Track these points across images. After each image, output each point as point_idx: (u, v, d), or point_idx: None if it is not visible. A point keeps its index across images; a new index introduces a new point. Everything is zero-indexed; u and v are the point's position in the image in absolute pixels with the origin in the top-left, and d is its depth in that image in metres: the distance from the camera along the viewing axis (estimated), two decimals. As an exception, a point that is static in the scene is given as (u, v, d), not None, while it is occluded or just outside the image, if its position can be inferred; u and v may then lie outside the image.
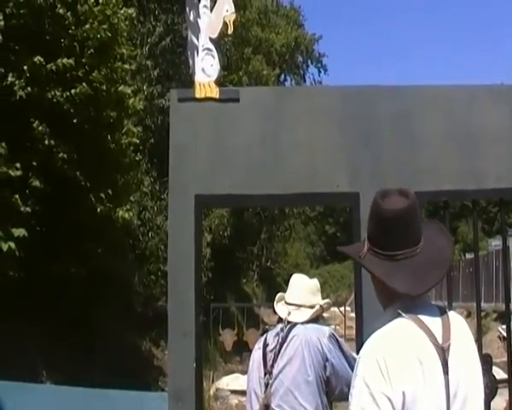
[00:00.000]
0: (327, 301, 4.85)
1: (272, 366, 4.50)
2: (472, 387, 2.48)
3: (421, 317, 2.46)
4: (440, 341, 2.43)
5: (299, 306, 4.67)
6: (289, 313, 4.65)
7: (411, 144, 4.14)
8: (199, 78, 4.19)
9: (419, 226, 2.57)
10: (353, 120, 4.16)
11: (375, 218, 2.57)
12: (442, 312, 2.54)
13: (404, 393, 2.31)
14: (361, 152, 4.11)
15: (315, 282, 4.87)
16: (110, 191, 13.43)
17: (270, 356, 4.54)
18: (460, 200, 5.37)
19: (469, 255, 36.07)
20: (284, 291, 4.91)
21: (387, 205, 2.53)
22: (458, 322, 2.57)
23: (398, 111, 4.18)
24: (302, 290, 4.73)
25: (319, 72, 40.39)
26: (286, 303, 4.73)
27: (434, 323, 2.47)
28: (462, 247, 48.27)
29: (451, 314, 2.56)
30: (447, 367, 2.40)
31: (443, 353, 2.40)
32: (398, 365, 2.35)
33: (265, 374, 4.53)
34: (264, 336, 4.81)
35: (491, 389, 4.21)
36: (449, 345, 2.43)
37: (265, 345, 4.63)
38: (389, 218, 2.50)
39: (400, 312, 2.46)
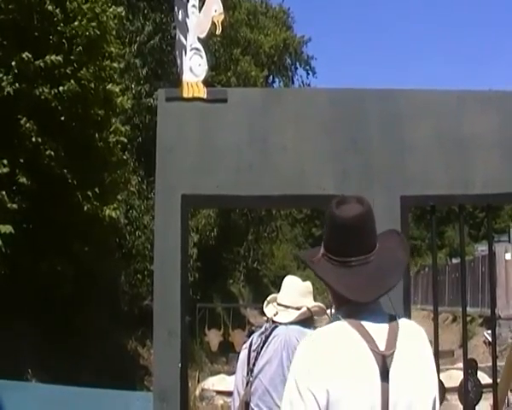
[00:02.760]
0: (317, 304, 4.86)
1: (254, 364, 4.54)
2: (419, 396, 2.47)
3: (365, 323, 2.47)
4: (382, 348, 2.43)
5: (287, 307, 4.70)
6: (276, 314, 4.67)
7: (399, 148, 4.12)
8: (187, 77, 4.18)
9: (373, 234, 2.58)
10: (341, 122, 4.15)
11: (328, 224, 2.60)
12: (391, 319, 2.53)
13: (328, 391, 2.37)
14: (348, 155, 4.10)
15: (307, 284, 4.90)
16: (97, 190, 13.42)
17: (252, 355, 4.58)
18: (447, 205, 5.37)
19: (455, 260, 36.28)
20: (270, 293, 4.93)
21: (341, 212, 2.54)
22: (410, 330, 2.57)
23: (386, 115, 4.17)
24: (292, 292, 4.76)
25: (307, 74, 40.51)
26: (277, 304, 4.75)
27: (379, 330, 2.47)
28: (449, 252, 48.53)
29: (403, 322, 2.56)
30: (387, 375, 2.40)
31: (383, 360, 2.41)
32: (324, 363, 2.41)
33: (248, 373, 4.56)
34: (252, 336, 4.83)
35: (475, 393, 4.23)
36: (392, 352, 2.43)
37: (251, 345, 4.66)
38: (341, 224, 2.52)
39: (339, 316, 2.51)
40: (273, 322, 4.65)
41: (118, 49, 15.25)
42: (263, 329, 4.68)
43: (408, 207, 4.08)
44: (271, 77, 38.06)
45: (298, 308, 4.67)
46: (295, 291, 4.77)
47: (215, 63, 22.14)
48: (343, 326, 2.48)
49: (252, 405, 4.50)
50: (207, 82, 4.24)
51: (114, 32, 14.65)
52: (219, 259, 27.56)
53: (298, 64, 40.03)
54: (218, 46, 23.69)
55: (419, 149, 4.14)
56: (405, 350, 2.47)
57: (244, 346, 4.79)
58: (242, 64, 28.44)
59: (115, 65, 14.67)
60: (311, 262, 2.60)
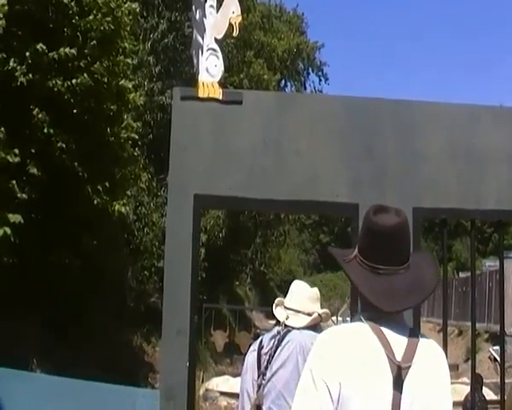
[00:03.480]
0: (325, 310, 4.88)
1: (266, 367, 4.53)
2: None
3: (385, 330, 2.50)
4: (399, 358, 2.45)
5: (298, 311, 4.70)
6: (287, 318, 4.67)
7: (413, 159, 4.13)
8: (203, 77, 4.18)
9: (406, 248, 2.62)
10: (355, 130, 4.15)
11: (364, 229, 2.63)
12: (412, 334, 2.56)
13: (340, 384, 2.41)
14: (362, 163, 4.10)
15: (315, 290, 4.91)
16: (107, 184, 13.42)
17: (264, 358, 4.57)
18: (458, 218, 5.35)
19: (463, 274, 36.13)
20: (276, 296, 4.93)
21: (378, 219, 2.57)
22: (431, 349, 2.58)
23: (400, 125, 4.18)
24: (302, 297, 4.76)
25: (320, 80, 40.40)
26: (285, 308, 4.74)
27: (398, 341, 2.50)
28: (456, 265, 48.32)
29: (424, 340, 2.58)
30: (401, 386, 2.42)
31: (398, 370, 2.43)
32: (340, 358, 2.44)
33: (259, 376, 4.55)
34: (260, 338, 4.83)
35: (480, 408, 4.23)
36: (409, 366, 2.45)
37: (260, 347, 4.66)
38: (377, 231, 2.55)
39: (362, 318, 2.54)
40: (285, 326, 4.64)
41: (131, 46, 15.26)
42: (274, 332, 4.67)
43: (420, 219, 4.06)
44: (283, 81, 37.96)
45: (309, 314, 4.68)
46: (305, 297, 4.78)
47: (228, 65, 22.08)
48: (364, 327, 2.51)
49: (264, 408, 4.49)
50: (221, 83, 4.24)
51: (128, 28, 14.65)
52: (226, 260, 27.53)
53: (310, 69, 39.95)
54: (232, 48, 23.66)
55: (432, 160, 4.15)
56: (423, 367, 2.49)
57: (252, 348, 4.78)
58: (255, 67, 28.37)
59: (128, 61, 14.68)
60: (343, 260, 2.63)
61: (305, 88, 39.41)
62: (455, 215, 4.45)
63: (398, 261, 2.56)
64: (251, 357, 4.70)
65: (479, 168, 4.17)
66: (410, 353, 2.48)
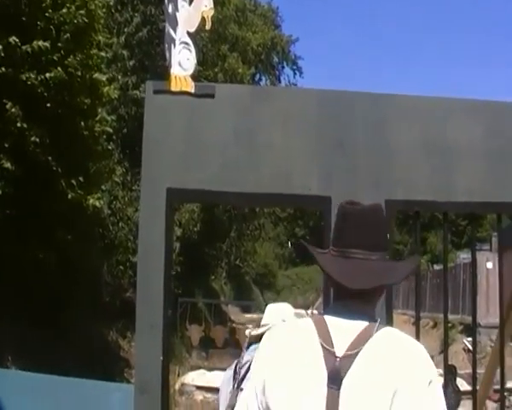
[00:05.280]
0: (299, 311, 4.87)
1: (243, 379, 4.49)
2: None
3: (333, 319, 2.35)
4: (342, 349, 2.26)
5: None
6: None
7: (386, 152, 4.13)
8: (175, 71, 4.16)
9: (379, 234, 2.48)
10: (329, 124, 4.14)
11: (336, 217, 2.55)
12: (371, 324, 2.32)
13: (264, 381, 2.33)
14: (334, 156, 4.09)
15: (289, 307, 4.89)
16: (81, 178, 13.38)
17: (240, 371, 4.52)
18: (431, 211, 5.38)
19: (437, 266, 36.41)
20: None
21: (349, 203, 2.50)
22: (387, 340, 2.31)
23: (374, 118, 4.17)
24: (274, 311, 4.74)
25: (294, 74, 40.38)
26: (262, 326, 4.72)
27: (348, 331, 2.30)
28: (430, 258, 48.70)
29: (384, 331, 2.33)
30: (338, 380, 2.22)
31: (334, 362, 2.24)
32: (268, 355, 2.39)
33: (234, 386, 4.52)
34: (237, 360, 4.79)
35: (454, 399, 4.25)
36: (350, 356, 2.24)
37: (237, 363, 4.61)
38: (346, 213, 2.47)
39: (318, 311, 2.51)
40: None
41: (105, 39, 15.23)
42: (252, 348, 4.63)
43: (392, 212, 4.07)
44: (258, 75, 37.95)
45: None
46: (278, 311, 4.76)
47: (202, 58, 22.06)
48: (306, 321, 2.42)
49: None
50: (195, 77, 4.22)
51: (102, 22, 14.63)
52: (202, 254, 27.51)
53: (285, 63, 39.97)
54: (206, 42, 23.63)
55: (405, 154, 4.16)
56: (370, 358, 2.25)
57: (228, 368, 4.75)
58: (230, 60, 28.37)
59: (103, 54, 14.65)
60: (316, 252, 2.53)
61: (280, 82, 39.42)
62: (427, 208, 4.45)
63: (369, 246, 2.41)
64: (227, 374, 4.68)
65: (451, 161, 4.17)
66: (357, 343, 2.27)
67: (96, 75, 13.80)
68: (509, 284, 4.42)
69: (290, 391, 2.27)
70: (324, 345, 2.28)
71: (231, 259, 33.81)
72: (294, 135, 4.13)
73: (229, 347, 18.97)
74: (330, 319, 2.35)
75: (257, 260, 47.33)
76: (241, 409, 2.43)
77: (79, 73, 13.06)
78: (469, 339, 21.22)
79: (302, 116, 4.16)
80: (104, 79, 14.33)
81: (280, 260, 62.63)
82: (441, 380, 2.48)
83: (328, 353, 2.27)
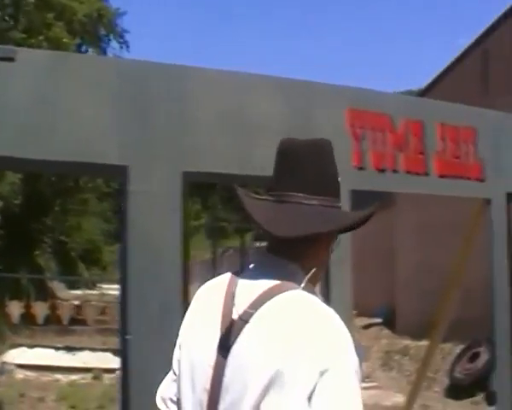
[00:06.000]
0: None
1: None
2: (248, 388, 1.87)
3: (247, 274, 2.07)
4: (238, 311, 1.96)
5: None
6: None
7: (183, 124, 4.15)
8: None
9: (325, 175, 2.11)
10: (128, 94, 4.09)
11: (275, 155, 2.20)
12: (280, 282, 1.98)
13: (179, 346, 2.16)
14: (132, 126, 4.04)
15: None
16: None
17: None
18: (227, 183, 5.51)
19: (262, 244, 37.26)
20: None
21: (289, 139, 2.19)
22: (284, 306, 1.93)
23: (175, 90, 4.17)
24: None
25: (121, 47, 39.76)
26: None
27: (251, 288, 1.99)
28: (255, 235, 49.47)
29: (290, 295, 1.95)
30: (226, 345, 1.94)
31: (227, 323, 1.96)
32: (188, 312, 2.19)
33: None
34: None
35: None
36: (245, 317, 1.93)
37: None
38: (284, 150, 2.16)
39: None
40: None
41: None
42: None
43: (188, 183, 4.13)
44: (84, 46, 37.03)
45: None
46: None
47: (26, 26, 21.26)
48: (225, 276, 2.14)
49: None
50: (18, 43, 4.04)
51: None
52: (25, 228, 26.68)
53: (111, 36, 39.28)
54: (32, 8, 22.77)
55: (203, 126, 4.19)
56: (258, 329, 1.91)
57: None
58: (55, 29, 27.50)
59: None
60: (245, 195, 2.13)
61: (106, 54, 38.65)
62: (224, 180, 4.56)
63: (310, 188, 2.05)
64: None
65: (248, 135, 4.28)
66: (253, 305, 1.94)
67: None
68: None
69: (188, 356, 2.06)
70: (224, 304, 2.01)
71: (56, 234, 33.00)
72: (94, 104, 4.02)
73: (52, 324, 18.57)
74: (245, 274, 2.07)
75: (83, 236, 46.49)
76: (170, 372, 2.23)
77: None
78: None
79: (102, 85, 4.06)
80: None
81: (106, 235, 61.75)
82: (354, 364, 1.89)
83: (226, 314, 1.98)
